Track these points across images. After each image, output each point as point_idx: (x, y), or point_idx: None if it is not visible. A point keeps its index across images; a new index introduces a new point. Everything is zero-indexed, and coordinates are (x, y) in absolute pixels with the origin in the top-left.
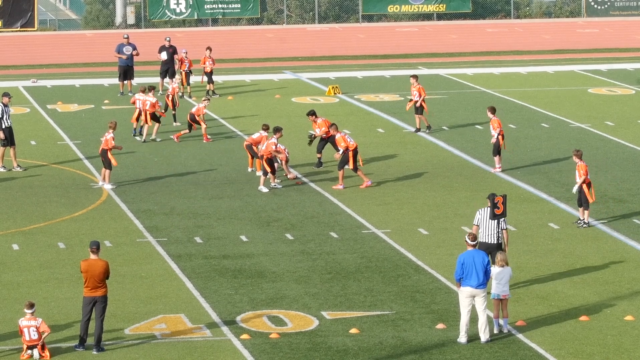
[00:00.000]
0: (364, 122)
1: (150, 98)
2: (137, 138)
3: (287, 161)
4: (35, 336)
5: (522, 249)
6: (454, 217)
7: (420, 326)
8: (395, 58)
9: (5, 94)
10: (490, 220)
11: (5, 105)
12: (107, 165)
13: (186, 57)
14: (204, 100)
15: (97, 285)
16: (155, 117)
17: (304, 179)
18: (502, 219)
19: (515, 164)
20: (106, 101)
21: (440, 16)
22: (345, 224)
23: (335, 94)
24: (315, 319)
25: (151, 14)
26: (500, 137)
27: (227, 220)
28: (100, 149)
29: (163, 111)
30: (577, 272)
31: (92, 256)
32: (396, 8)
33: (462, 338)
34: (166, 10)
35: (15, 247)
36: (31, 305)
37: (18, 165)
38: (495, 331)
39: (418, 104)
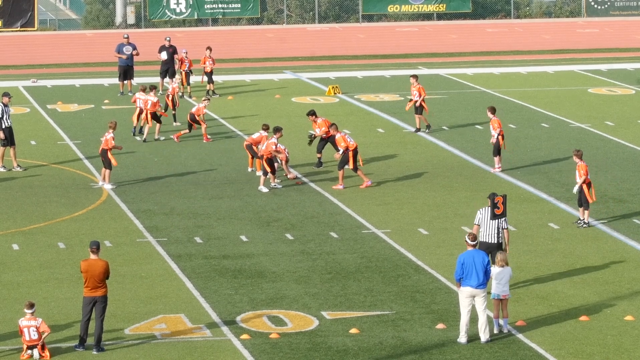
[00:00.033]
0: (364, 122)
1: (151, 97)
2: (137, 138)
3: (287, 161)
4: (35, 336)
5: (522, 249)
6: (454, 217)
7: (420, 326)
8: (395, 58)
9: (5, 94)
10: (490, 220)
11: (6, 105)
12: (107, 165)
13: (186, 57)
14: (204, 100)
15: (97, 285)
16: (156, 117)
17: (304, 179)
18: (503, 219)
19: (515, 164)
20: (106, 101)
21: (440, 16)
22: (345, 224)
23: (335, 94)
24: (315, 319)
25: (151, 14)
26: (500, 137)
27: (227, 220)
28: (100, 149)
29: (163, 110)
30: (577, 272)
31: (92, 256)
32: (396, 8)
33: (462, 338)
34: (166, 10)
35: (15, 247)
36: (31, 305)
37: (18, 165)
38: (495, 331)
39: (418, 104)
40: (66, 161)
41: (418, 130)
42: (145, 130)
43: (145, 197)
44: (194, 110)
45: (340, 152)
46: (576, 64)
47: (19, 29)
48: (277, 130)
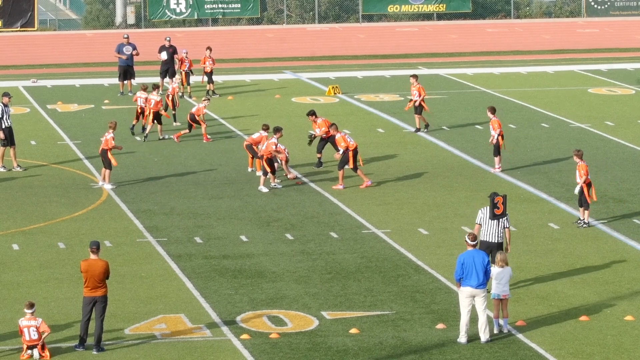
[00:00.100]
0: (364, 122)
1: (154, 97)
2: (137, 138)
3: (287, 161)
4: (35, 336)
5: (522, 249)
6: (454, 217)
7: (420, 326)
8: (395, 58)
9: (5, 94)
10: (491, 220)
11: (5, 105)
12: (107, 165)
13: (186, 57)
14: (204, 100)
15: (97, 285)
16: (158, 117)
17: (304, 179)
18: (505, 218)
19: (515, 164)
20: (106, 101)
21: (440, 16)
22: (345, 224)
23: (335, 94)
24: (315, 319)
25: (151, 14)
26: (500, 137)
27: (227, 220)
28: (100, 149)
29: (164, 110)
30: (577, 272)
31: (92, 256)
32: (396, 8)
33: (462, 338)
34: (166, 10)
35: (15, 247)
36: (31, 305)
37: (18, 165)
38: (495, 331)
39: (417, 104)
40: (66, 161)
41: (418, 130)
42: (148, 127)
43: (145, 197)
44: (194, 110)
45: (340, 152)
46: (576, 64)
47: (19, 29)
48: (277, 130)
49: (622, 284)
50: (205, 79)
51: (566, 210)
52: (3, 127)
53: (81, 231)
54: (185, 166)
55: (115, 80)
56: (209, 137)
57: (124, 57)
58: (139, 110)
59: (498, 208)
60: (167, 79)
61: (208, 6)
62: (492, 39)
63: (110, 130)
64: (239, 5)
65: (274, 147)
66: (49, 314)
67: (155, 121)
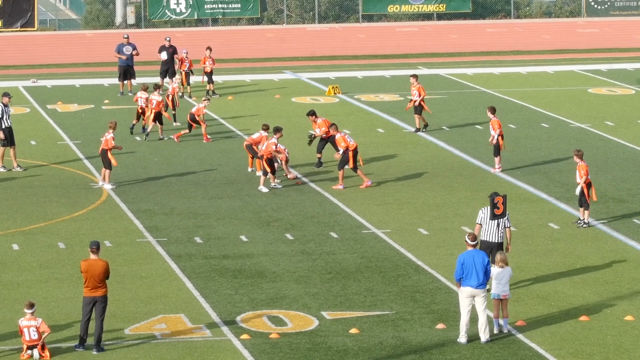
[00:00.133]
0: (364, 122)
1: (156, 97)
2: (137, 138)
3: (287, 161)
4: (35, 336)
5: (522, 249)
6: (454, 217)
7: (420, 326)
8: (395, 58)
9: (5, 94)
10: (491, 220)
11: (5, 105)
12: (107, 165)
13: (186, 57)
14: (204, 100)
15: (97, 285)
16: (159, 117)
17: (304, 179)
18: (506, 218)
19: (515, 164)
20: (106, 101)
21: (440, 16)
22: (345, 224)
23: (335, 94)
24: (315, 319)
25: (151, 14)
26: (500, 137)
27: (227, 220)
28: (100, 149)
29: (164, 110)
30: (577, 272)
31: (92, 256)
32: (396, 8)
33: (462, 338)
34: (166, 10)
35: (15, 247)
36: (31, 305)
37: (18, 165)
38: (495, 331)
39: (417, 104)
40: (66, 161)
41: (418, 130)
42: (150, 127)
43: (145, 197)
44: (193, 110)
45: (340, 152)
46: (576, 64)
47: (19, 29)
48: (277, 130)
49: (622, 284)
50: (205, 79)
51: (566, 210)
52: (3, 127)
53: (81, 231)
54: (185, 166)
55: (115, 80)
56: (209, 137)
57: (124, 57)
58: (140, 111)
59: (498, 208)
60: (167, 79)
61: (208, 6)
62: (492, 39)
63: (110, 130)
64: (239, 5)
65: (274, 147)
66: (49, 314)
67: (156, 121)
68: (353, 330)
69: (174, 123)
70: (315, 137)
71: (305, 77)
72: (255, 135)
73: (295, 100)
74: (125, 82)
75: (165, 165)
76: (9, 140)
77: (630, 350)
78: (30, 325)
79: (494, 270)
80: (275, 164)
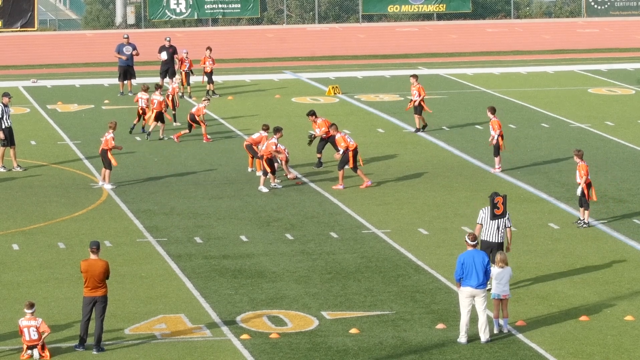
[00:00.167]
0: (364, 122)
1: (157, 97)
2: (137, 138)
3: (287, 161)
4: (35, 336)
5: (522, 249)
6: (454, 217)
7: (420, 326)
8: (395, 58)
9: (5, 94)
10: (491, 220)
11: (5, 105)
12: (107, 165)
13: (186, 57)
14: (204, 100)
15: (97, 285)
16: (160, 117)
17: (304, 179)
18: (506, 218)
19: (515, 164)
20: (106, 101)
21: (440, 16)
22: (345, 224)
23: (335, 94)
24: (315, 319)
25: (151, 14)
26: (500, 137)
27: (227, 220)
28: (100, 149)
29: (165, 110)
30: (577, 272)
31: (92, 256)
32: (396, 8)
33: (462, 338)
34: (166, 10)
35: (15, 247)
36: (31, 305)
37: (18, 165)
38: (495, 331)
39: (417, 104)
40: (66, 161)
41: (418, 130)
42: (151, 127)
43: (145, 197)
44: (193, 110)
45: (340, 152)
46: (576, 64)
47: (19, 29)
48: (277, 130)
49: (622, 284)
50: (205, 79)
51: (566, 210)
52: (3, 127)
53: (81, 231)
54: (185, 166)
55: (115, 81)
56: (209, 137)
57: (124, 57)
58: (140, 111)
59: (498, 208)
60: (167, 79)
61: (208, 6)
62: (492, 39)
63: (110, 131)
64: (239, 5)
65: (274, 147)
66: (49, 314)
67: (157, 121)
68: (353, 330)
69: (174, 123)
70: (315, 137)
71: (305, 77)
72: (255, 136)
73: (295, 100)
74: (125, 82)
75: (165, 165)
76: (9, 140)
77: (630, 350)
78: (30, 325)
79: (494, 270)
80: (275, 164)
